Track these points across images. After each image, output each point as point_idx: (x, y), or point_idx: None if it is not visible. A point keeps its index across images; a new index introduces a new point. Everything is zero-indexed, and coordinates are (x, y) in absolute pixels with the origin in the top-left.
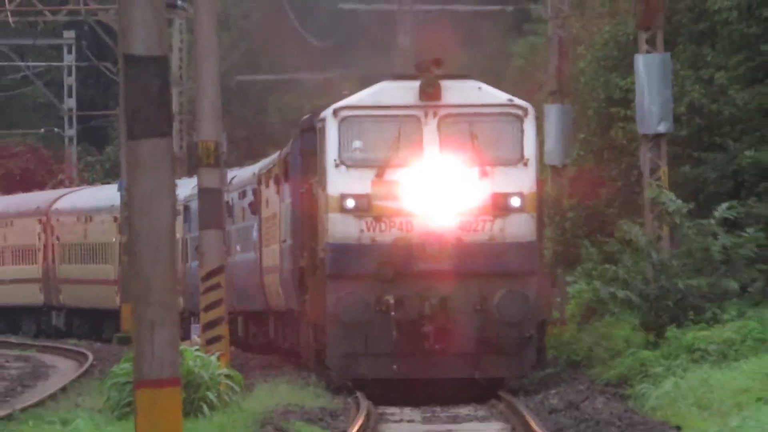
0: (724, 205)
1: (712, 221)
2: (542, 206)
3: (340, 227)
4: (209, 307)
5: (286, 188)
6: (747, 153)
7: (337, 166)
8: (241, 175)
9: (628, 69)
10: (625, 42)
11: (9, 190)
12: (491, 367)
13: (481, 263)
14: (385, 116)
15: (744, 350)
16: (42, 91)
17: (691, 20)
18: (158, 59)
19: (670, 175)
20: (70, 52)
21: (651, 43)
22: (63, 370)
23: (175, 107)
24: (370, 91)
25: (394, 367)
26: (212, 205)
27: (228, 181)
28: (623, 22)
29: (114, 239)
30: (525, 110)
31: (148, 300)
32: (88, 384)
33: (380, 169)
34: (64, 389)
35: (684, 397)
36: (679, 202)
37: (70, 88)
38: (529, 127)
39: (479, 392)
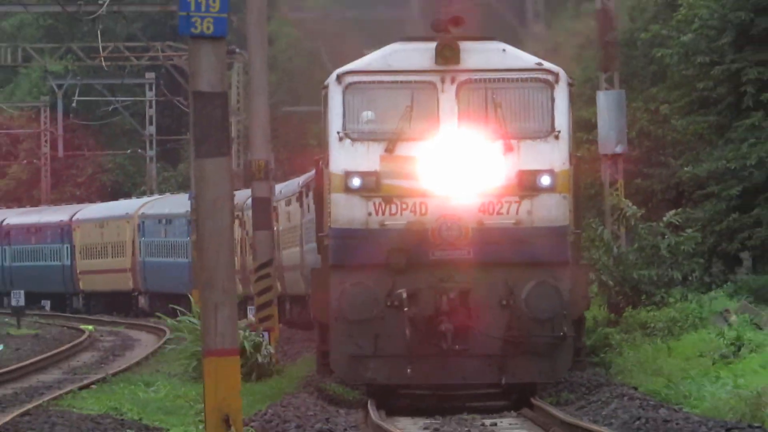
0: (671, 212)
1: (660, 224)
2: (578, 186)
3: (345, 210)
4: (261, 292)
5: None
6: (685, 169)
7: (341, 139)
8: None
9: (593, 102)
10: (591, 84)
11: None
12: (519, 370)
13: (505, 251)
14: (397, 82)
15: (686, 327)
16: (128, 120)
17: (645, 63)
18: (220, 95)
19: (626, 186)
20: (150, 89)
21: (609, 81)
22: (146, 342)
23: (233, 133)
24: (379, 53)
25: (408, 371)
26: (263, 211)
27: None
28: (590, 66)
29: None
30: (556, 75)
31: (213, 286)
32: (165, 354)
33: (390, 142)
34: (147, 358)
35: (639, 364)
36: (634, 207)
37: (150, 117)
38: (561, 94)
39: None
